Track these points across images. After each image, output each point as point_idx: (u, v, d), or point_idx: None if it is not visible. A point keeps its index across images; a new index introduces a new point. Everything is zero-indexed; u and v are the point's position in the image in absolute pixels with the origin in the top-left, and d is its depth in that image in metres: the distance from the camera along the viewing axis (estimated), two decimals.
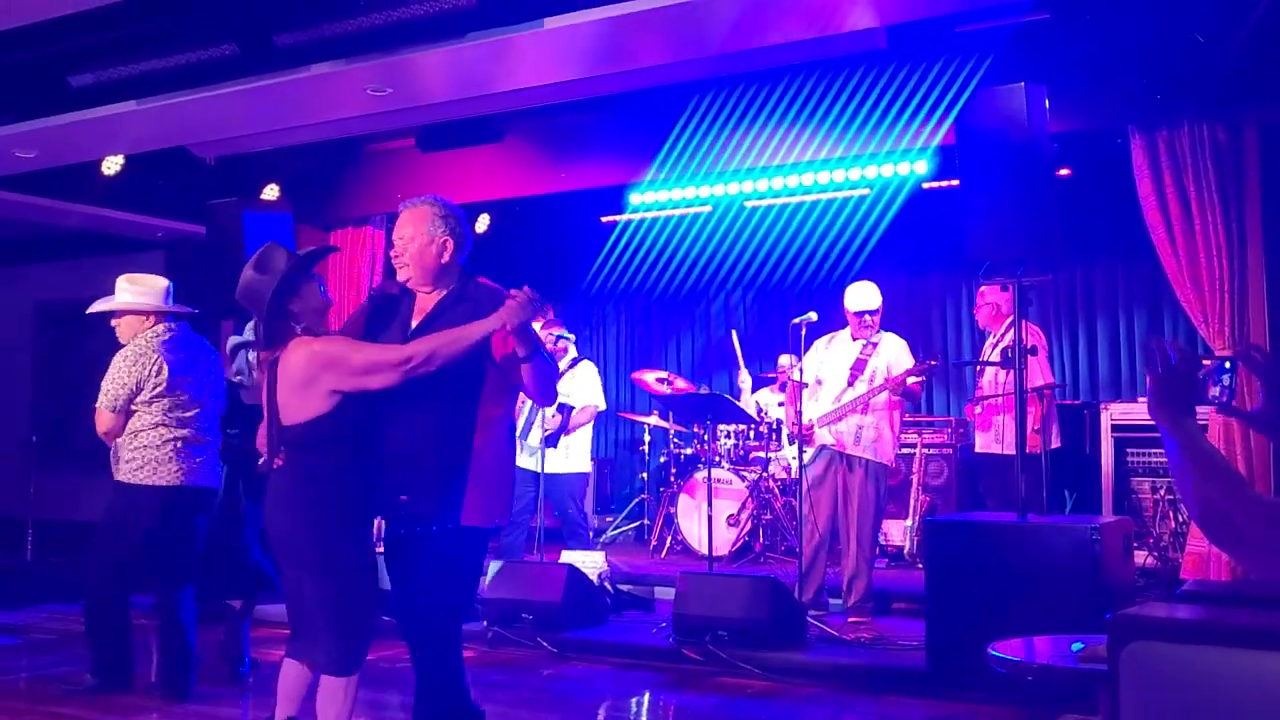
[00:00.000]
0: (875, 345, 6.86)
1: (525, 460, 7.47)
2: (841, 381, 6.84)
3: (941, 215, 8.44)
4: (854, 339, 6.92)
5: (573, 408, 7.70)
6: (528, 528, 7.85)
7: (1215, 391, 1.96)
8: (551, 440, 7.60)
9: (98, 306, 5.95)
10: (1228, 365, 1.97)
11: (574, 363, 8.08)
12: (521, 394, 7.07)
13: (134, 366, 5.66)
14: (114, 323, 5.91)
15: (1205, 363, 1.92)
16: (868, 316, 6.87)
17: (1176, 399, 1.86)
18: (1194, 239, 6.44)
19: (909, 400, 6.97)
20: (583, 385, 7.99)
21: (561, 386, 7.85)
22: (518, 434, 7.52)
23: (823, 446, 6.81)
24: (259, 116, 7.47)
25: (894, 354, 6.84)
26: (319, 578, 3.90)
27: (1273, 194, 6.44)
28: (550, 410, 7.63)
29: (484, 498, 3.94)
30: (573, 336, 8.26)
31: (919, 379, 6.81)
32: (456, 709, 4.04)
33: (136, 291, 5.87)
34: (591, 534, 9.41)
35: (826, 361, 6.96)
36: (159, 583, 5.77)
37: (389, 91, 6.86)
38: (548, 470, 7.59)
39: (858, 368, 6.82)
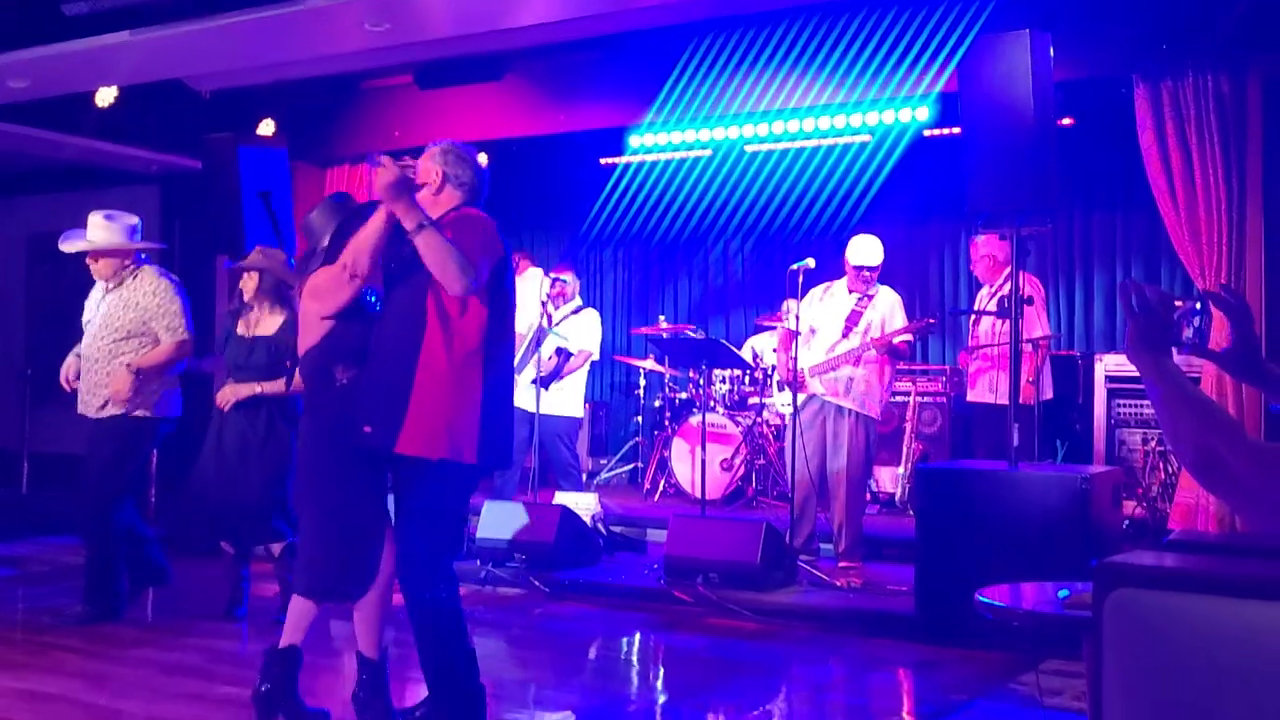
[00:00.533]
0: (871, 298, 6.83)
1: (517, 399, 7.48)
2: (835, 333, 6.82)
3: (942, 163, 8.39)
4: (850, 292, 6.89)
5: (570, 353, 7.69)
6: (521, 468, 7.88)
7: (1189, 333, 1.96)
8: (544, 382, 7.61)
9: (76, 245, 5.93)
10: (1198, 307, 1.97)
11: (578, 309, 8.07)
12: (520, 334, 7.10)
13: (178, 295, 5.90)
14: (91, 260, 5.91)
15: (1178, 304, 1.91)
16: (867, 272, 6.81)
17: (1155, 339, 1.85)
18: (1194, 191, 6.42)
19: (894, 357, 6.88)
20: (583, 331, 7.99)
21: (563, 330, 7.84)
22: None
23: (813, 395, 6.81)
24: (255, 50, 7.40)
25: (888, 310, 6.79)
26: (307, 506, 4.05)
27: (1274, 147, 6.41)
28: (547, 352, 7.63)
29: (430, 428, 3.74)
30: (576, 282, 8.22)
31: (907, 338, 6.77)
32: (442, 645, 3.95)
33: (116, 230, 5.91)
34: (584, 476, 9.46)
35: (821, 311, 6.93)
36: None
37: (387, 27, 6.79)
38: (542, 410, 7.61)
39: (852, 319, 6.80)
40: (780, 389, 7.05)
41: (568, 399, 7.96)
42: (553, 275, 8.04)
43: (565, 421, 7.99)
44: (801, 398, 6.82)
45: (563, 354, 7.65)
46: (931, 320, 6.97)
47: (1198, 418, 1.74)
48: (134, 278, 5.89)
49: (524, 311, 7.64)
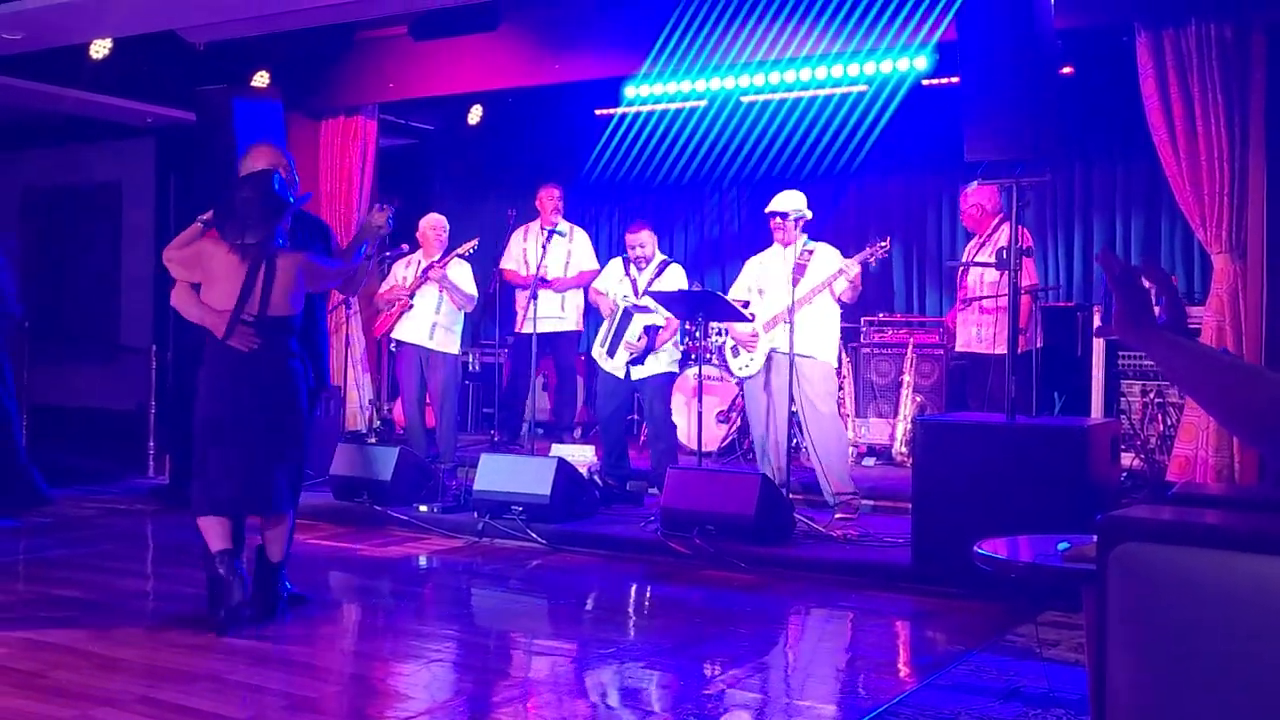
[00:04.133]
0: (810, 254, 6.84)
1: (612, 366, 7.56)
2: (785, 285, 6.83)
3: (940, 113, 8.34)
4: (784, 245, 6.92)
5: (658, 328, 7.52)
6: (622, 430, 7.84)
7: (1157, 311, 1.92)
8: (638, 361, 7.50)
9: None
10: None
11: (662, 267, 7.71)
12: (609, 307, 7.64)
13: None
14: None
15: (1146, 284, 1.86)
16: (778, 219, 6.91)
17: (1144, 313, 1.77)
18: (1195, 141, 6.38)
19: (853, 290, 6.80)
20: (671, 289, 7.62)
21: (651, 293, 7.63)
22: (604, 348, 7.58)
23: (770, 352, 6.84)
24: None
25: (830, 265, 6.81)
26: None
27: (1277, 97, 6.36)
28: (635, 334, 7.52)
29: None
30: (653, 240, 7.76)
31: (858, 268, 6.71)
32: None
33: None
34: (578, 431, 9.47)
35: (763, 275, 6.98)
36: None
37: None
38: (636, 375, 7.57)
39: (798, 271, 6.82)
40: (736, 354, 7.05)
41: (659, 358, 7.67)
42: (628, 238, 7.77)
43: (660, 379, 7.70)
44: (759, 361, 6.85)
45: (651, 332, 7.51)
46: (883, 244, 6.87)
47: (1250, 386, 1.61)
48: None
49: (611, 286, 7.70)
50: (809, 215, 6.96)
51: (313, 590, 5.51)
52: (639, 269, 7.67)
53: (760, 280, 7.00)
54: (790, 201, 6.93)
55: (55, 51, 8.40)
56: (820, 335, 6.84)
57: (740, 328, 6.96)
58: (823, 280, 6.72)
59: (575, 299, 8.79)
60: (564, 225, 8.77)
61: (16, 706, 3.84)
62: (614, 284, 7.72)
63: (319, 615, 5.32)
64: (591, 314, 9.03)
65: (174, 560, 6.42)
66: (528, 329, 8.05)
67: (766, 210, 7.02)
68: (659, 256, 7.78)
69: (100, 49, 8.33)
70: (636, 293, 7.58)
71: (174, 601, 5.43)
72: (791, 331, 6.64)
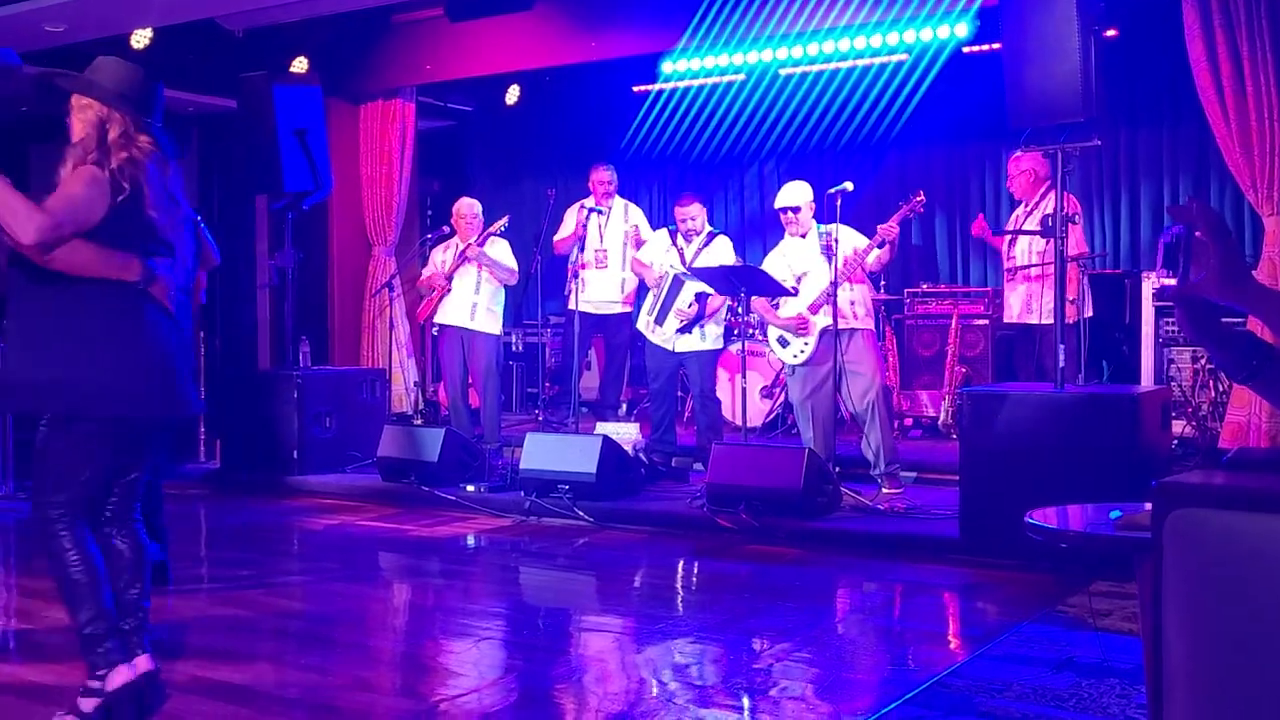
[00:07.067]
0: (829, 234, 6.80)
1: (660, 336, 7.59)
2: (821, 265, 6.79)
3: (982, 81, 8.23)
4: (801, 236, 6.92)
5: (708, 294, 7.50)
6: (672, 403, 7.86)
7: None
8: (687, 329, 7.51)
9: None
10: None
11: (710, 238, 7.65)
12: (655, 277, 7.44)
13: None
14: None
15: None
16: (790, 214, 6.90)
17: (1241, 266, 1.60)
18: (1245, 102, 6.26)
19: (889, 252, 6.78)
20: (718, 261, 7.50)
21: (699, 264, 7.50)
22: (653, 316, 7.57)
23: (823, 331, 6.80)
24: None
25: (853, 239, 6.81)
26: None
27: None
28: (686, 300, 7.50)
29: None
30: (702, 211, 7.72)
31: (897, 229, 6.69)
32: None
33: None
34: (623, 408, 9.47)
35: (794, 262, 6.92)
36: None
37: None
38: (683, 349, 7.58)
39: (827, 252, 6.79)
40: (784, 344, 6.97)
41: (707, 335, 7.67)
42: (678, 211, 7.74)
43: (705, 355, 7.70)
44: (810, 343, 6.79)
45: (702, 298, 7.51)
46: (919, 198, 6.81)
47: None
48: None
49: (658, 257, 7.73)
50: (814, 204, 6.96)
51: (364, 571, 5.54)
52: (688, 241, 7.65)
53: (794, 269, 6.94)
54: (802, 194, 6.93)
55: (97, 42, 8.46)
56: (863, 306, 6.84)
57: (784, 317, 6.89)
58: (863, 249, 6.69)
59: (633, 283, 8.68)
60: (618, 205, 8.74)
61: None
62: (660, 255, 7.72)
63: (370, 595, 5.36)
64: (641, 295, 9.07)
65: (227, 543, 6.49)
66: (582, 308, 8.06)
67: (777, 206, 6.98)
68: (706, 228, 7.76)
69: (141, 39, 8.39)
70: (685, 264, 7.56)
71: (228, 583, 5.49)
72: (835, 308, 6.60)
